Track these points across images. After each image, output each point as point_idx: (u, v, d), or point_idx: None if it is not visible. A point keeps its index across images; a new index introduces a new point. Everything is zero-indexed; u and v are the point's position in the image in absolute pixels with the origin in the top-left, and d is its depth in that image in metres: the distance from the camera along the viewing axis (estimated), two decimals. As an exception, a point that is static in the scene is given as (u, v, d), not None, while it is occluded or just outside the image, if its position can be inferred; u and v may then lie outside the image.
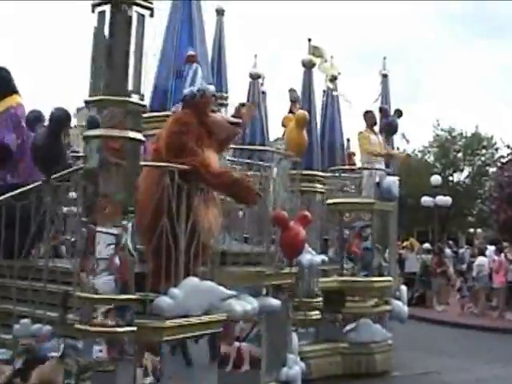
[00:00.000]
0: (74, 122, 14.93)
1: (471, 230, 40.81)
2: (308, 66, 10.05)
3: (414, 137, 42.72)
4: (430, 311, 18.32)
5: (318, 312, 9.18)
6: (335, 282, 10.16)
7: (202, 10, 7.93)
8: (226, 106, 10.06)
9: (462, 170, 40.02)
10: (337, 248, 10.64)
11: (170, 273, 5.04)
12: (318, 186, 9.80)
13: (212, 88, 5.89)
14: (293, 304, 8.26)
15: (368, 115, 11.32)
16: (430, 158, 40.62)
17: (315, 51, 10.19)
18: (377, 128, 11.47)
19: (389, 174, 10.92)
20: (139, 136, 4.72)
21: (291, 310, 8.11)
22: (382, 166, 11.06)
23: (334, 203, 10.49)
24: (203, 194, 5.34)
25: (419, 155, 39.79)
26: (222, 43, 10.56)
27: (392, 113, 12.13)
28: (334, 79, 12.08)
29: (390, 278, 10.69)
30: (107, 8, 4.66)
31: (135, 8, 4.65)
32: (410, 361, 11.18)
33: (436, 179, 28.00)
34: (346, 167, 11.83)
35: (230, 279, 5.83)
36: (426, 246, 22.89)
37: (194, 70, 6.27)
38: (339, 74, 12.16)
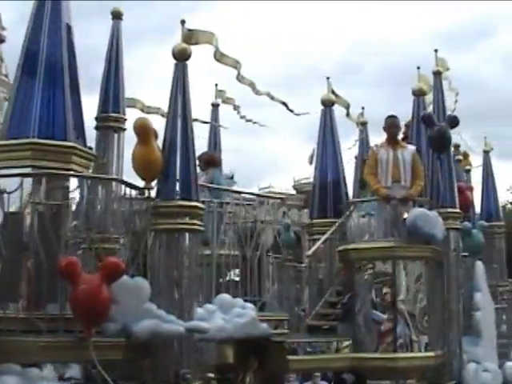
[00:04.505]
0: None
1: None
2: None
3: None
4: None
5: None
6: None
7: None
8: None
9: None
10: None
11: None
12: (190, 221, 6.21)
13: None
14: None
15: (388, 121, 8.27)
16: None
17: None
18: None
19: (421, 206, 7.97)
20: None
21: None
22: (401, 192, 7.92)
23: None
24: None
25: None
26: (120, 54, 7.87)
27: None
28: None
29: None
30: None
31: None
32: None
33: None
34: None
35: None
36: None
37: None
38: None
